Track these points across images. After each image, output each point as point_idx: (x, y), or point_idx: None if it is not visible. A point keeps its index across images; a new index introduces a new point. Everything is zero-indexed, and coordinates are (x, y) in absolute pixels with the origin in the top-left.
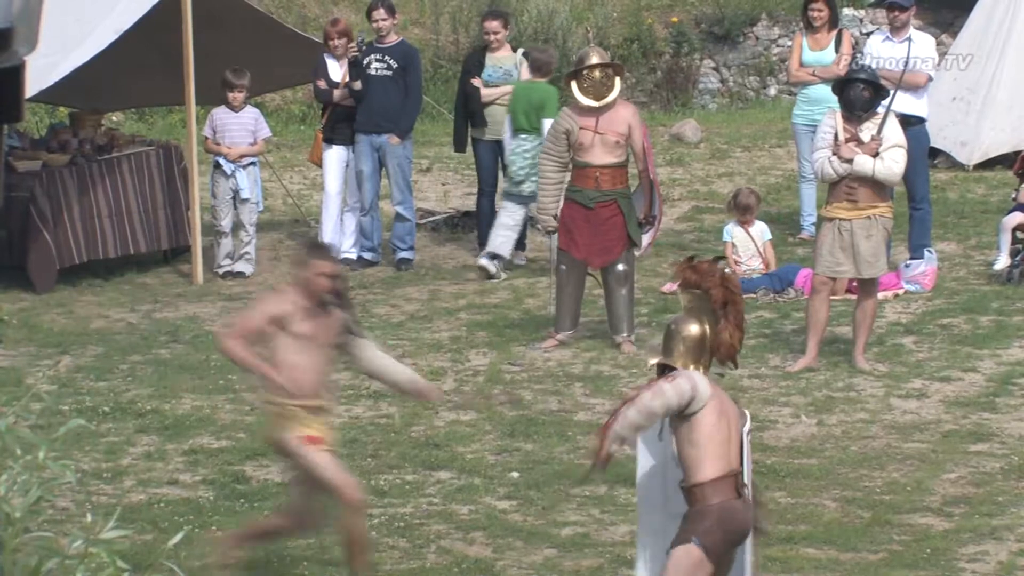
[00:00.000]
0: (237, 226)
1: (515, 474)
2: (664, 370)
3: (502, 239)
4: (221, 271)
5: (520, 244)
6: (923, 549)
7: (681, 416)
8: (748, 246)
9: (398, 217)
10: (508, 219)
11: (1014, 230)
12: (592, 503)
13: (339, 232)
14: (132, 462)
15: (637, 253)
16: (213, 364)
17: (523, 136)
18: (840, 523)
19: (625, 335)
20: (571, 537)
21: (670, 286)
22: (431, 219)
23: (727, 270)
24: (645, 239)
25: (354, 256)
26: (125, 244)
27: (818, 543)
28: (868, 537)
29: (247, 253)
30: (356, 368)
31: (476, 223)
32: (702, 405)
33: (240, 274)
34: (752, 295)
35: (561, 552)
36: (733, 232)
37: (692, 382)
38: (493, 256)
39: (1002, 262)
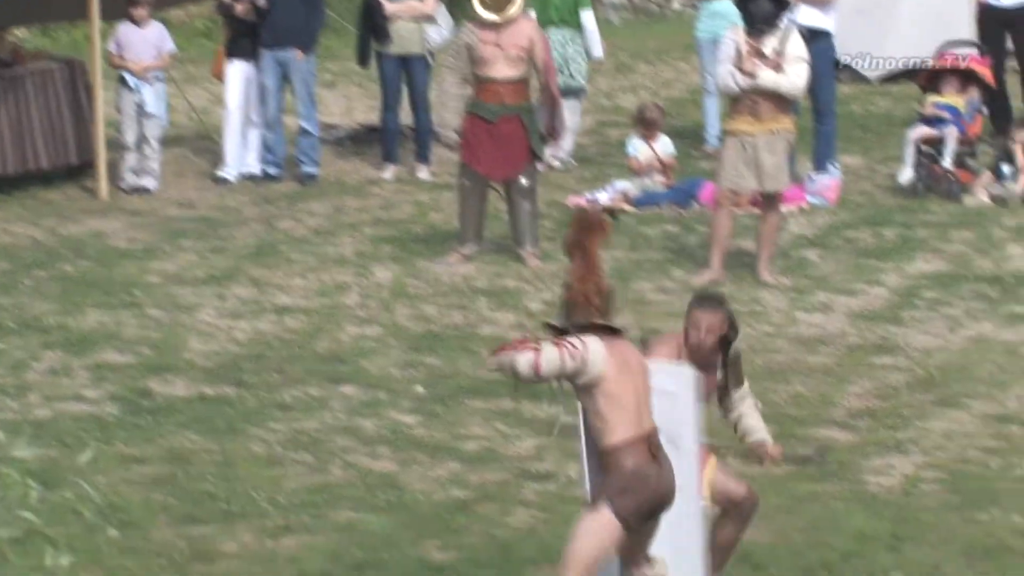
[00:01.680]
0: (141, 141)
1: (420, 388)
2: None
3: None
4: (126, 186)
5: (424, 158)
6: (828, 462)
7: (578, 386)
8: (651, 160)
9: (302, 132)
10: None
11: (918, 143)
12: (497, 417)
13: (242, 147)
14: (37, 378)
15: (540, 167)
16: (118, 279)
17: (554, 29)
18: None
19: (529, 248)
20: (476, 451)
21: (573, 199)
22: (335, 134)
23: (606, 216)
24: (549, 152)
25: (258, 171)
26: (28, 160)
27: (722, 458)
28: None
29: (151, 168)
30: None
31: (380, 138)
32: (598, 373)
33: (144, 189)
34: (656, 209)
35: (466, 466)
36: (637, 146)
37: (576, 354)
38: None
39: (906, 175)
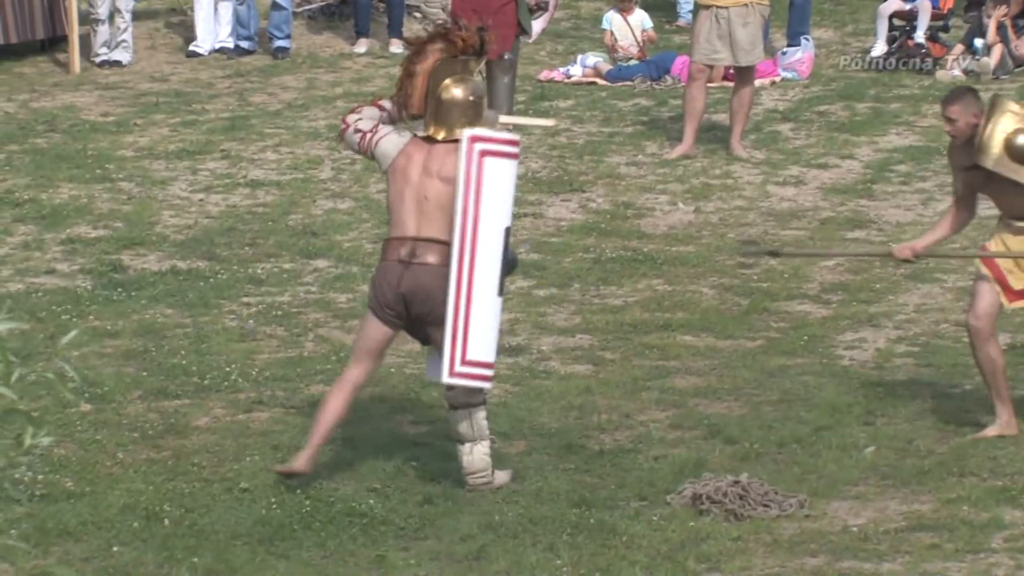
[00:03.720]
0: (114, 14)
1: None
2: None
3: None
4: (98, 60)
5: (396, 32)
6: (801, 336)
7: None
8: (627, 34)
9: (274, 6)
10: None
11: (891, 17)
12: None
13: (214, 21)
14: (9, 252)
15: (527, 41)
16: (90, 153)
17: None
18: (718, 311)
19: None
20: None
21: (547, 73)
22: (308, 7)
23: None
24: (537, 26)
25: (231, 45)
26: None
27: (695, 331)
28: (746, 325)
29: (124, 41)
30: None
31: (352, 12)
32: (383, 169)
33: (117, 63)
34: (629, 83)
35: None
36: (612, 20)
37: (364, 142)
38: None
39: (879, 49)
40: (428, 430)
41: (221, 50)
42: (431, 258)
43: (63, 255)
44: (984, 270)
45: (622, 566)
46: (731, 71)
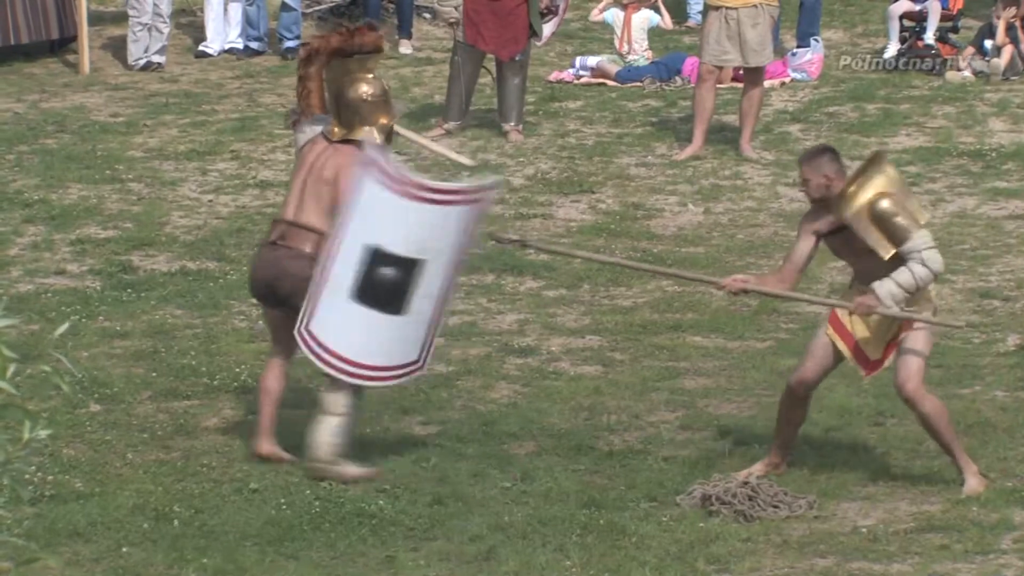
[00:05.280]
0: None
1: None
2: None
3: None
4: (140, 64)
5: (406, 32)
6: (810, 337)
7: None
8: (623, 32)
9: (284, 6)
10: None
11: (900, 18)
12: (479, 292)
13: (224, 22)
14: (19, 252)
15: (538, 43)
16: (100, 154)
17: None
18: (727, 312)
19: (513, 124)
20: (458, 326)
21: (557, 74)
22: (317, 8)
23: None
24: (547, 28)
25: (240, 46)
26: (9, 34)
27: (705, 332)
28: (755, 326)
29: (163, 44)
30: None
31: (363, 12)
32: (295, 150)
33: (159, 65)
34: (639, 84)
35: (448, 341)
36: (614, 16)
37: (294, 120)
38: None
39: (891, 50)
40: (438, 431)
41: (231, 51)
42: (298, 243)
43: (72, 256)
44: (831, 332)
45: (632, 567)
46: (741, 72)
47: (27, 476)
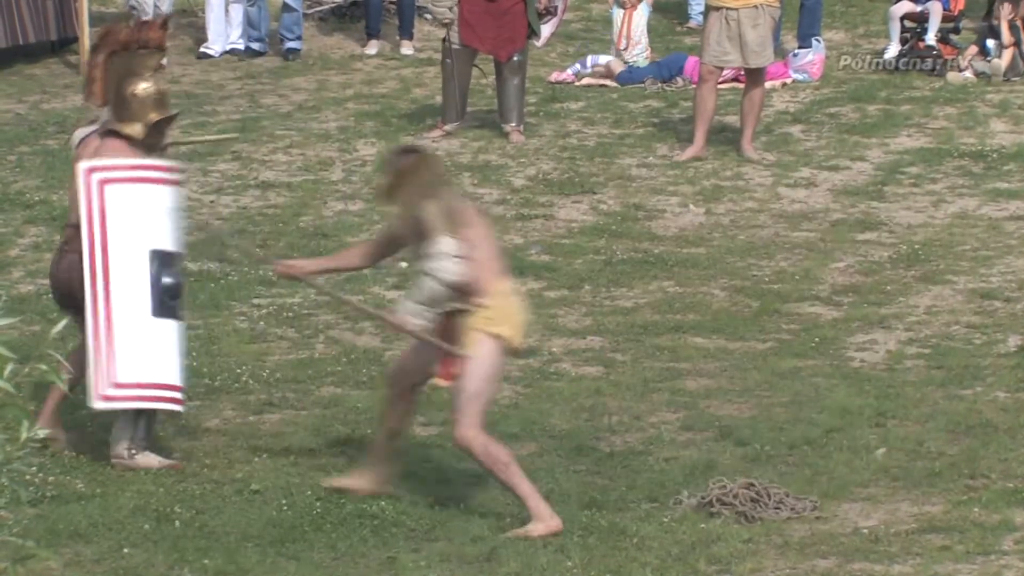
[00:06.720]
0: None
1: (403, 264)
2: None
3: None
4: None
5: (407, 33)
6: (812, 338)
7: None
8: (622, 31)
9: (285, 7)
10: None
11: (902, 19)
12: None
13: (225, 22)
14: (20, 253)
15: (537, 44)
16: None
17: None
18: (729, 312)
19: (514, 124)
20: None
21: (557, 75)
22: (319, 9)
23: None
24: (546, 29)
25: (242, 46)
26: (14, 34)
27: (707, 332)
28: (757, 326)
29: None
30: None
31: (363, 13)
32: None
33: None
34: (640, 84)
35: None
36: (616, 15)
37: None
38: None
39: (892, 51)
40: (439, 432)
41: (232, 51)
42: (76, 244)
43: None
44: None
45: (633, 568)
46: (742, 72)
47: (28, 477)
